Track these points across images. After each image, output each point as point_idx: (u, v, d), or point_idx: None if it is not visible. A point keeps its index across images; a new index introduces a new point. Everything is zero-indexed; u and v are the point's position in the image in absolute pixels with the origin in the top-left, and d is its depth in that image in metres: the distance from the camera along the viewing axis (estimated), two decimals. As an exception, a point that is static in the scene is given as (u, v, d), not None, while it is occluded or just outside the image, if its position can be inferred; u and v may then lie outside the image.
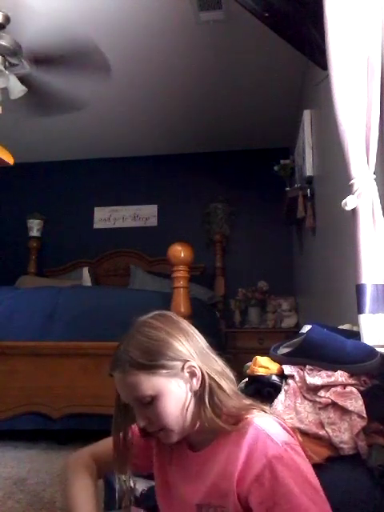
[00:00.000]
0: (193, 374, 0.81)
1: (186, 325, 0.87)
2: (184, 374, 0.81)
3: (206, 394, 0.81)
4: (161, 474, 0.91)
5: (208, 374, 0.82)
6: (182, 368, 0.81)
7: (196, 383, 0.82)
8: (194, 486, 0.82)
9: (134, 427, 0.91)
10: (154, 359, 0.79)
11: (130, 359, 0.79)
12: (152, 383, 0.79)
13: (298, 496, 0.69)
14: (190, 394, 0.82)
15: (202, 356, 0.84)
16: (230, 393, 0.83)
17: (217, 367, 0.85)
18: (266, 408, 0.83)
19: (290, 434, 0.78)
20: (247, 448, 0.75)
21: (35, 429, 2.32)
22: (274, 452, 0.73)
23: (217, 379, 0.82)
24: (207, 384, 0.81)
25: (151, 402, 0.80)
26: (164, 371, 0.79)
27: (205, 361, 0.83)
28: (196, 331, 0.88)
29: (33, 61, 2.54)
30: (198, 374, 0.81)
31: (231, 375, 0.87)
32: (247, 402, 0.84)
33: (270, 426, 0.77)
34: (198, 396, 0.82)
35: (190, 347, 0.83)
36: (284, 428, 0.78)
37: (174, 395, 0.80)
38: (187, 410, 0.81)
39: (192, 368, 0.81)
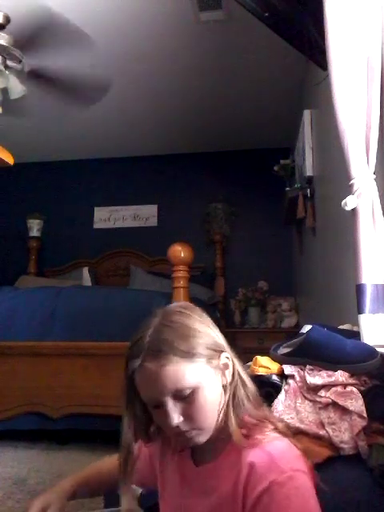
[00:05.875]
0: (226, 366, 0.77)
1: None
2: (219, 364, 0.76)
3: (232, 390, 0.77)
4: (163, 483, 0.89)
5: (237, 368, 0.78)
6: (219, 357, 0.77)
7: (228, 376, 0.77)
8: (198, 500, 0.79)
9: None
10: (194, 347, 0.73)
11: (169, 347, 0.72)
12: (195, 371, 0.73)
13: None
14: (221, 389, 0.77)
15: (229, 348, 0.80)
16: (252, 395, 0.79)
17: (239, 364, 0.81)
18: (281, 425, 0.77)
19: (303, 459, 0.72)
20: (249, 470, 0.70)
21: (35, 429, 2.32)
22: (276, 477, 0.67)
23: (243, 376, 0.78)
24: (236, 379, 0.77)
25: (191, 395, 0.74)
26: (204, 360, 0.74)
27: (231, 354, 0.79)
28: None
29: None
30: (231, 366, 0.77)
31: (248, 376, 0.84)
32: (264, 411, 0.79)
33: (280, 450, 0.71)
34: (228, 393, 0.77)
35: (221, 337, 0.79)
36: (298, 453, 0.73)
37: (214, 386, 0.75)
38: (220, 405, 0.76)
39: (226, 359, 0.77)
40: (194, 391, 0.73)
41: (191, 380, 0.72)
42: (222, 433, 0.77)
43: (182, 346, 0.72)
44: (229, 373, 0.77)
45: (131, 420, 0.79)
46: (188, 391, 0.73)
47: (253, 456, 0.70)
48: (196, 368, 0.73)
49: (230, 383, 0.77)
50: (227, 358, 0.77)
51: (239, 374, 0.78)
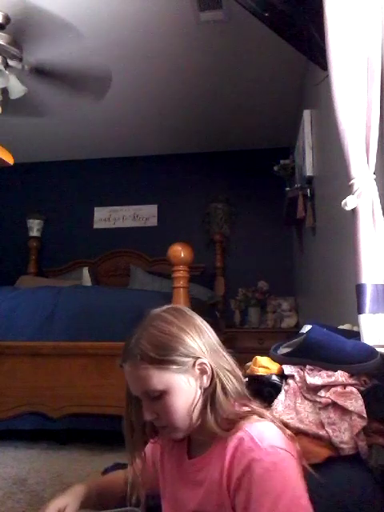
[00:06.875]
0: (203, 372, 0.81)
1: (199, 320, 0.86)
2: (194, 370, 0.80)
3: (209, 393, 0.80)
4: (164, 481, 0.92)
5: (217, 372, 0.81)
6: (193, 364, 0.80)
7: (206, 381, 0.81)
8: (190, 492, 0.82)
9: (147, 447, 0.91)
10: (165, 354, 0.78)
11: (141, 352, 0.78)
12: (162, 378, 0.78)
13: (269, 503, 0.67)
14: (199, 391, 0.81)
15: (213, 353, 0.83)
16: (235, 394, 0.82)
17: (226, 365, 0.84)
18: (267, 413, 0.81)
19: (288, 440, 0.75)
20: (232, 453, 0.74)
21: (35, 429, 2.32)
22: (254, 454, 0.71)
23: (224, 380, 0.81)
24: (215, 383, 0.80)
25: (160, 397, 0.79)
26: (175, 367, 0.78)
27: (215, 358, 0.82)
28: (208, 327, 0.87)
29: (33, 71, 2.54)
30: (209, 371, 0.81)
31: (240, 374, 0.86)
32: (249, 407, 0.82)
33: (260, 430, 0.75)
34: (206, 395, 0.81)
35: (202, 343, 0.82)
36: (283, 434, 0.76)
37: (184, 392, 0.79)
38: (195, 407, 0.80)
39: (203, 365, 0.80)
40: (162, 394, 0.79)
41: (158, 385, 0.78)
42: (205, 429, 0.80)
43: (152, 353, 0.77)
44: (207, 377, 0.81)
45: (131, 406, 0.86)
46: (157, 393, 0.79)
47: (234, 440, 0.75)
48: (164, 374, 0.78)
49: (208, 387, 0.81)
50: (204, 363, 0.80)
51: (219, 378, 0.81)
